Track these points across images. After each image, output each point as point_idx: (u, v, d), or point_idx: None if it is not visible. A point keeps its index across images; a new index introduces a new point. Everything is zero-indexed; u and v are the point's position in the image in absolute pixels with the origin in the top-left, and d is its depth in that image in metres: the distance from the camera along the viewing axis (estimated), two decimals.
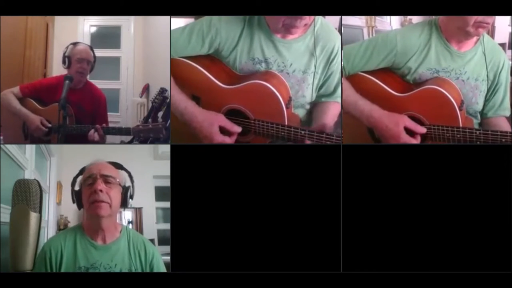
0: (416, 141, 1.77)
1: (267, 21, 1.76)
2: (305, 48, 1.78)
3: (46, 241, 1.54)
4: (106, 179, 1.50)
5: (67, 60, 2.08)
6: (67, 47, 2.10)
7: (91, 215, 1.50)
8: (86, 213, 1.53)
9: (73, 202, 1.54)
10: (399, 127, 1.76)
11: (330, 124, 1.81)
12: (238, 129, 1.73)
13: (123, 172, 1.59)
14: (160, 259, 1.59)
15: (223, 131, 1.73)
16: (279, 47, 1.77)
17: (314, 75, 1.80)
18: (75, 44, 2.12)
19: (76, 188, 1.54)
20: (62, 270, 1.47)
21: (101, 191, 1.48)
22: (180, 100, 1.75)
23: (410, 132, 1.77)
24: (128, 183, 1.58)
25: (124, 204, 1.56)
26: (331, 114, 1.83)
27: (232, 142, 1.74)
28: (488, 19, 1.72)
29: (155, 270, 1.56)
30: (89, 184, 1.49)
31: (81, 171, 1.56)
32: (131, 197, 1.58)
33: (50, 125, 2.01)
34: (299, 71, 1.79)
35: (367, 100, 1.80)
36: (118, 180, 1.54)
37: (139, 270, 1.54)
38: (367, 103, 1.80)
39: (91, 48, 2.13)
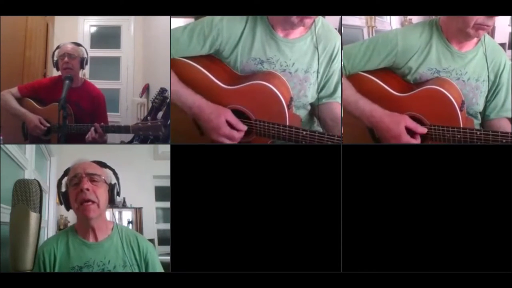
0: (417, 141, 1.76)
1: (270, 20, 1.76)
2: (307, 48, 1.78)
3: (39, 245, 1.54)
4: (91, 178, 1.51)
5: (56, 64, 2.08)
6: (53, 53, 2.09)
7: (81, 217, 1.52)
8: (76, 214, 1.54)
9: (61, 204, 1.55)
10: (400, 127, 1.75)
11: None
12: (243, 127, 1.73)
13: (107, 170, 1.59)
14: (155, 253, 1.60)
15: (230, 126, 1.73)
16: (282, 46, 1.77)
17: (317, 74, 1.80)
18: (58, 47, 2.09)
19: (63, 189, 1.56)
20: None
21: (87, 189, 1.49)
22: (188, 95, 1.75)
23: (410, 132, 1.77)
24: (113, 181, 1.59)
25: (111, 201, 1.56)
26: (339, 116, 1.82)
27: (239, 136, 1.73)
28: (488, 21, 1.72)
29: (150, 265, 1.57)
30: (75, 183, 1.50)
31: (66, 172, 1.57)
32: (118, 193, 1.59)
33: (49, 125, 2.01)
34: (301, 71, 1.79)
35: (368, 100, 1.80)
36: (103, 177, 1.54)
37: (134, 265, 1.55)
38: (368, 103, 1.80)
39: (78, 44, 2.10)
